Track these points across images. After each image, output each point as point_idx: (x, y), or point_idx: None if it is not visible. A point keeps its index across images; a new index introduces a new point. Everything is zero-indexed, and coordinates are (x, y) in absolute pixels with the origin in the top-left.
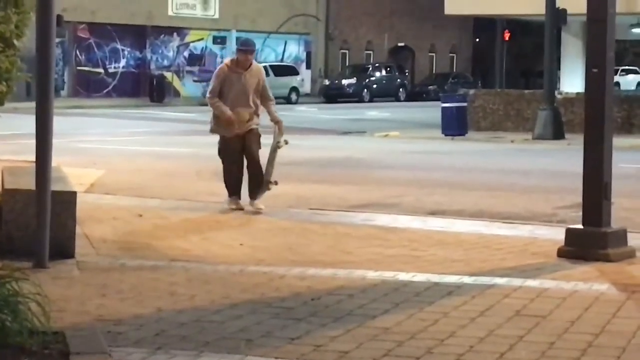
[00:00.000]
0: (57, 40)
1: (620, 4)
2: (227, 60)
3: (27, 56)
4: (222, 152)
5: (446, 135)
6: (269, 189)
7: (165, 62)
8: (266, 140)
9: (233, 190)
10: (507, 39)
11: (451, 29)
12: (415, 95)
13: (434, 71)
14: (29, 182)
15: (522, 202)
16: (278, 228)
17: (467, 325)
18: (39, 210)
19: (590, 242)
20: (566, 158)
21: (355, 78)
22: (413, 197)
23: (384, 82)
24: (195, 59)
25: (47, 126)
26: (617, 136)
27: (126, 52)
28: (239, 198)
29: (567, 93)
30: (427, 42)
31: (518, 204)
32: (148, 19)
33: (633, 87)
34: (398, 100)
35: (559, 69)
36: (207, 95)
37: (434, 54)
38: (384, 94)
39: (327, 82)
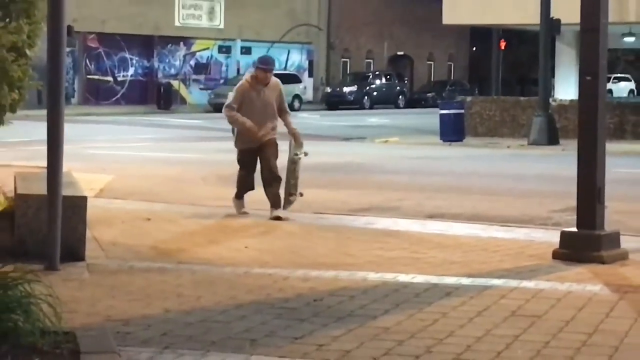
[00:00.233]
0: (68, 49)
1: (612, 13)
2: (247, 76)
3: (38, 65)
4: (240, 162)
5: (444, 141)
6: (290, 201)
7: (172, 71)
8: (283, 149)
9: (241, 193)
10: (502, 48)
11: (449, 38)
12: (414, 102)
13: (432, 79)
14: (40, 187)
15: (518, 205)
16: (282, 231)
17: (465, 325)
18: (51, 214)
19: (584, 244)
20: (560, 163)
21: (356, 86)
22: (413, 201)
23: (384, 89)
24: (201, 68)
25: (58, 133)
26: (610, 142)
27: (134, 61)
28: (243, 202)
29: (561, 100)
30: (425, 51)
31: (514, 208)
32: (155, 29)
33: (625, 94)
34: (397, 107)
35: (554, 77)
36: (225, 107)
37: (432, 63)
38: (384, 101)
39: (328, 89)
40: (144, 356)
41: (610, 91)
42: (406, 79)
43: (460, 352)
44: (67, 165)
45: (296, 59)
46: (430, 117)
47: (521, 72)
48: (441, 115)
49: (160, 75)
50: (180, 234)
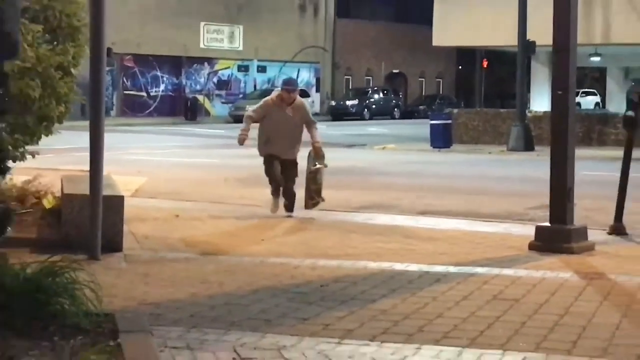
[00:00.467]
0: (107, 68)
1: (581, 36)
2: (273, 95)
3: (82, 82)
4: (266, 172)
5: (434, 147)
6: (314, 204)
7: (198, 87)
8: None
9: (276, 192)
10: (485, 66)
11: (438, 58)
12: (408, 114)
13: (423, 94)
14: (84, 188)
15: (499, 203)
16: (294, 226)
17: (452, 308)
18: (93, 211)
19: (556, 237)
20: (536, 167)
21: (357, 100)
22: (408, 200)
23: (382, 103)
24: (222, 84)
25: (99, 141)
26: (578, 148)
27: (165, 79)
28: (278, 202)
29: (536, 112)
30: (417, 69)
31: (496, 205)
32: (184, 51)
33: (592, 107)
34: (393, 118)
35: (529, 92)
36: (247, 112)
37: (423, 79)
38: (382, 113)
39: (333, 103)
40: (173, 334)
41: (579, 104)
42: (401, 93)
43: (448, 331)
44: (107, 169)
45: (305, 76)
46: (422, 127)
47: (501, 88)
48: (431, 125)
49: (187, 90)
50: (205, 229)
